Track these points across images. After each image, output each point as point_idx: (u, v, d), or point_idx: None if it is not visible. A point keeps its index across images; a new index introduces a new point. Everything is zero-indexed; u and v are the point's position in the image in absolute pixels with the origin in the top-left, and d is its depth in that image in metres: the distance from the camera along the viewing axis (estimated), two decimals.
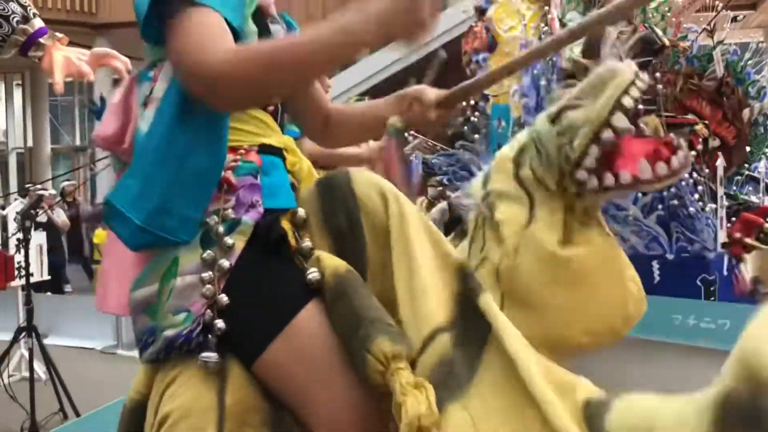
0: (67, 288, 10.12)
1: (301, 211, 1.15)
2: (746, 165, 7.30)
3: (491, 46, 7.30)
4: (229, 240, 1.07)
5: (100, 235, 9.20)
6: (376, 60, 11.61)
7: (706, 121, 6.74)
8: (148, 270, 1.10)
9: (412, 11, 1.02)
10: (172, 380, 1.08)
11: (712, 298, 5.86)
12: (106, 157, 5.09)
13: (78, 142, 22.38)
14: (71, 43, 1.75)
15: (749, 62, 7.79)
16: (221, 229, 1.07)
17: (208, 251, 1.06)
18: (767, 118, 7.77)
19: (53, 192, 11.10)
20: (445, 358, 1.00)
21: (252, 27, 1.13)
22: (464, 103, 7.73)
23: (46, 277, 6.30)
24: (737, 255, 4.83)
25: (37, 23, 1.70)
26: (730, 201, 6.44)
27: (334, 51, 1.03)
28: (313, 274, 1.08)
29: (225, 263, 1.05)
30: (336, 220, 1.14)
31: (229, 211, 1.09)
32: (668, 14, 7.68)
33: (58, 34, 1.72)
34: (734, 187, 6.98)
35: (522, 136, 1.22)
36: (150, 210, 1.05)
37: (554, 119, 1.17)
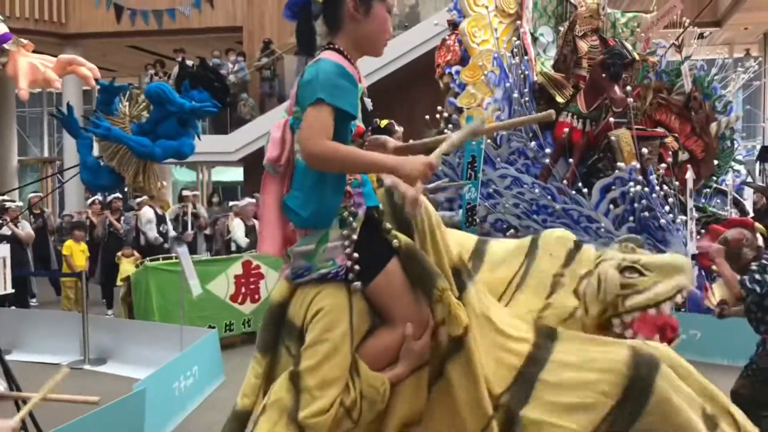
0: (33, 302, 9.90)
1: (381, 207, 2.09)
2: (714, 178, 7.41)
3: (464, 58, 7.32)
4: (354, 223, 1.97)
5: (69, 246, 9.01)
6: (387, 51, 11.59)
7: (676, 135, 6.82)
8: (309, 237, 1.99)
9: (413, 179, 1.84)
10: (318, 293, 1.96)
11: (683, 309, 5.90)
12: (74, 166, 4.99)
13: (46, 154, 22.02)
14: (39, 52, 1.71)
15: (716, 77, 7.93)
16: (350, 217, 1.97)
17: (344, 230, 1.97)
18: (734, 132, 7.91)
19: (20, 204, 10.89)
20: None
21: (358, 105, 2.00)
22: (438, 116, 7.75)
23: (10, 290, 6.16)
24: (706, 267, 4.86)
25: (1, 29, 1.65)
26: (699, 213, 6.51)
27: (375, 168, 1.97)
28: (395, 242, 2.01)
29: (353, 236, 1.97)
30: (399, 218, 2.09)
31: (351, 208, 1.98)
32: (637, 30, 7.80)
33: (23, 40, 1.67)
34: (703, 200, 7.06)
35: (592, 260, 2.25)
36: (312, 210, 1.96)
37: (623, 270, 2.15)
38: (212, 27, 15.49)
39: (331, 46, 2.00)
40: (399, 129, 4.88)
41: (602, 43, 6.87)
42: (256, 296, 7.57)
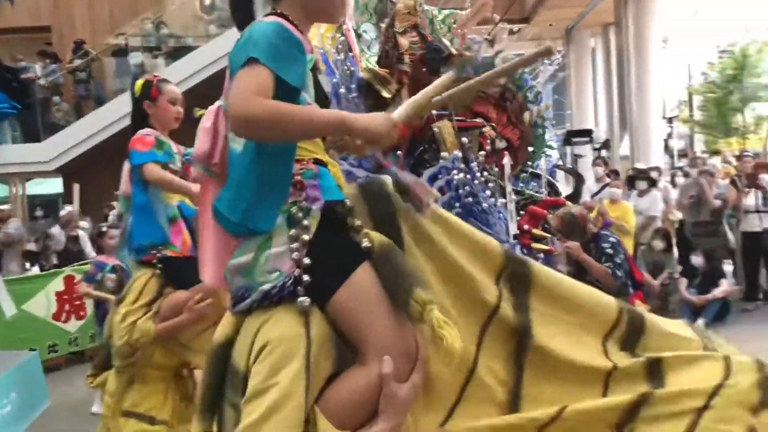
0: None
1: (348, 202, 1.62)
2: (529, 163, 7.93)
3: None
4: (306, 222, 1.51)
5: None
6: (210, 51, 11.14)
7: (493, 124, 7.22)
8: (245, 246, 1.53)
9: (376, 140, 1.55)
10: (265, 321, 1.48)
11: None
12: None
13: None
14: None
15: (526, 69, 8.50)
16: (301, 214, 1.52)
17: (294, 230, 1.51)
18: (545, 120, 8.52)
19: None
20: None
21: (309, 80, 1.58)
22: None
23: None
24: (527, 245, 5.22)
25: None
26: (518, 196, 6.95)
27: (331, 128, 1.56)
28: (366, 243, 1.56)
29: (306, 237, 1.50)
30: (377, 212, 1.64)
31: (303, 203, 1.54)
32: (454, 26, 8.15)
33: None
34: (521, 184, 7.55)
35: None
36: (244, 209, 1.51)
37: None
38: (16, 27, 14.24)
39: (275, 11, 1.60)
40: None
41: (421, 39, 7.09)
42: (81, 312, 7.12)
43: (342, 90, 7.76)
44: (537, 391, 1.62)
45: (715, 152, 15.77)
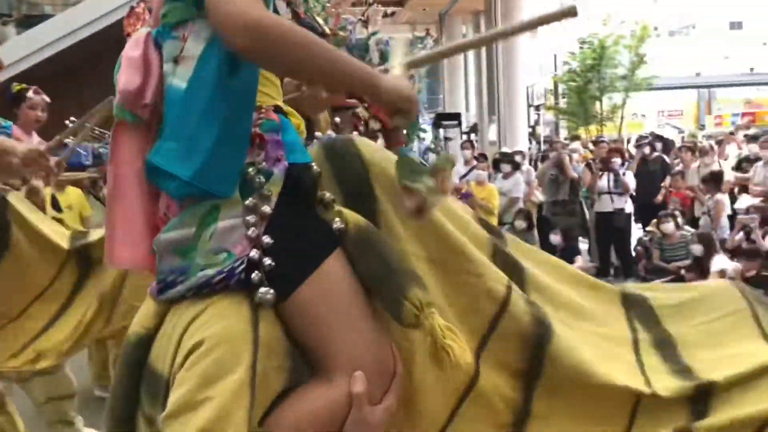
0: None
1: (315, 167, 1.26)
2: (405, 146, 8.12)
3: None
4: (266, 189, 1.17)
5: None
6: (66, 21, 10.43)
7: (366, 105, 7.32)
8: (184, 217, 1.17)
9: (406, 102, 1.17)
10: (198, 314, 1.12)
11: None
12: None
13: None
14: None
15: None
16: (260, 179, 1.17)
17: (250, 199, 1.16)
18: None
19: None
20: None
21: None
22: None
23: None
24: None
25: None
26: None
27: (337, 72, 1.18)
28: (337, 223, 1.20)
29: (267, 209, 1.16)
30: (347, 180, 1.26)
31: (263, 164, 1.19)
32: (328, 5, 8.14)
33: None
34: None
35: None
36: (197, 167, 1.13)
37: None
38: None
39: None
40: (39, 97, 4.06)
41: (294, 16, 7.05)
42: None
43: None
44: (547, 414, 1.29)
45: (576, 137, 16.76)
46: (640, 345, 1.38)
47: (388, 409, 1.18)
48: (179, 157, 1.15)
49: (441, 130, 12.56)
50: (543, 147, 17.00)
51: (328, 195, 1.24)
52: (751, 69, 31.52)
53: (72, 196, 5.02)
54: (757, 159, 8.56)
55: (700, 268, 6.91)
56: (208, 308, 1.12)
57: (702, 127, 29.00)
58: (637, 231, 9.33)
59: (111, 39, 10.41)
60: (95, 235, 2.86)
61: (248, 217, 1.15)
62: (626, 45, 21.60)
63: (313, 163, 1.27)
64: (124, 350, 1.23)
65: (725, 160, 9.85)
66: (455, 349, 1.12)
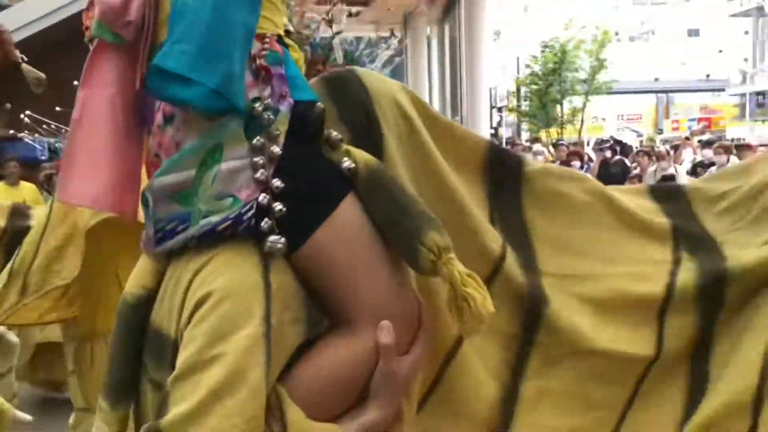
0: None
1: (320, 105, 1.12)
2: None
3: None
4: (273, 128, 1.04)
5: None
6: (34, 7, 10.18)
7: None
8: (184, 155, 1.03)
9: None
10: (202, 266, 1.01)
11: None
12: None
13: None
14: None
15: (364, 52, 8.70)
16: (267, 116, 1.04)
17: (258, 138, 1.03)
18: None
19: None
20: None
21: None
22: None
23: None
24: None
25: None
26: None
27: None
28: (347, 163, 1.08)
29: (276, 149, 1.03)
30: (351, 116, 1.15)
31: (268, 100, 1.05)
32: (292, 3, 8.11)
33: None
34: None
35: None
36: (224, 73, 1.00)
37: None
38: None
39: None
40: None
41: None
42: None
43: None
44: (541, 390, 1.18)
45: (537, 139, 16.98)
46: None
47: (417, 361, 1.08)
48: (200, 61, 1.00)
49: None
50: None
51: (334, 134, 1.12)
52: (707, 75, 32.37)
53: (25, 190, 4.91)
54: (711, 164, 8.79)
55: None
56: (213, 259, 1.01)
57: (660, 131, 29.69)
58: None
59: (64, 33, 10.23)
60: (38, 212, 2.43)
61: (256, 159, 1.02)
62: (587, 50, 21.98)
63: (319, 101, 1.13)
64: (121, 314, 1.10)
65: (680, 164, 10.10)
66: (476, 298, 0.99)
